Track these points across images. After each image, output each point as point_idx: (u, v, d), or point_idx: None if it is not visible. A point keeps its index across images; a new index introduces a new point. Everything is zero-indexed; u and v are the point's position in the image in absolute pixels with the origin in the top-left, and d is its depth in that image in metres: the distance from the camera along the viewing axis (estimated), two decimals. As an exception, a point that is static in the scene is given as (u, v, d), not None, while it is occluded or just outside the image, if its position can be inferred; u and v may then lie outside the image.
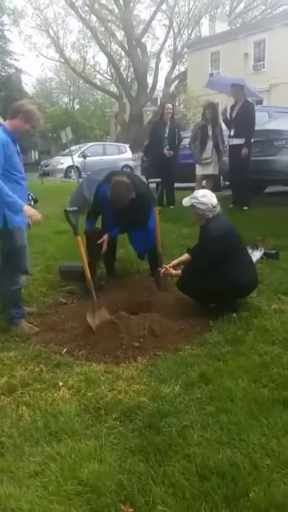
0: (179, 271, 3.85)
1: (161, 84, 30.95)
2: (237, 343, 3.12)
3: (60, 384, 2.74)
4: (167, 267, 3.91)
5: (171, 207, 8.18)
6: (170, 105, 8.79)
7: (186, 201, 3.72)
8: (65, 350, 3.19)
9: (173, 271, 3.88)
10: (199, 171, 8.14)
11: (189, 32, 32.99)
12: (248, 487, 1.87)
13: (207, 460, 2.02)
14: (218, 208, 3.67)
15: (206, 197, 3.64)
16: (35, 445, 2.21)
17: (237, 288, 3.57)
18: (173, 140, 8.38)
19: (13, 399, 2.62)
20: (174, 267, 3.91)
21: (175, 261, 3.94)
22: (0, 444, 2.22)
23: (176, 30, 30.84)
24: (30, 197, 5.81)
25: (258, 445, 2.11)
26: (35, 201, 5.83)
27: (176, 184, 8.81)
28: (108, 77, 36.23)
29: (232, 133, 7.68)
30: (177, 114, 16.07)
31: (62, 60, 33.55)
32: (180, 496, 1.85)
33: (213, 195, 3.71)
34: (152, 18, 27.11)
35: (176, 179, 8.76)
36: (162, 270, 3.95)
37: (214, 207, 3.62)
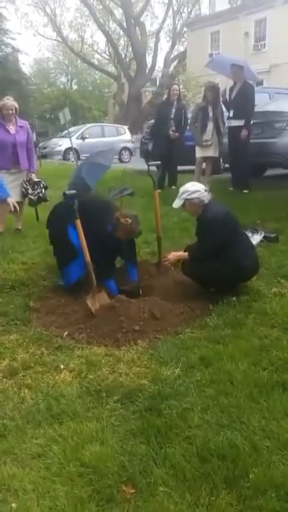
0: (185, 254, 3.80)
1: (160, 64, 30.50)
2: (237, 327, 3.13)
3: (62, 366, 2.76)
4: (169, 256, 3.87)
5: (173, 187, 8.13)
6: (176, 86, 8.70)
7: (177, 203, 3.65)
8: (65, 333, 3.20)
9: (178, 253, 3.85)
10: (199, 153, 8.07)
11: (189, 10, 32.36)
12: (247, 468, 1.90)
13: (208, 442, 2.05)
14: (208, 192, 3.63)
15: (194, 185, 3.63)
16: (37, 427, 2.23)
17: (243, 272, 3.57)
18: (179, 121, 8.30)
19: (15, 382, 2.64)
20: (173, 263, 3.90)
21: (172, 257, 3.87)
22: (3, 426, 2.24)
23: (175, 9, 30.22)
24: (42, 185, 5.82)
25: (258, 427, 2.14)
26: (45, 188, 5.84)
27: (179, 167, 8.73)
28: (107, 57, 35.67)
29: (231, 114, 7.59)
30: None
31: (60, 40, 32.95)
32: (181, 477, 1.88)
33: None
34: (151, -5, 26.60)
35: (180, 161, 8.68)
36: (166, 261, 3.92)
37: (205, 190, 3.60)
